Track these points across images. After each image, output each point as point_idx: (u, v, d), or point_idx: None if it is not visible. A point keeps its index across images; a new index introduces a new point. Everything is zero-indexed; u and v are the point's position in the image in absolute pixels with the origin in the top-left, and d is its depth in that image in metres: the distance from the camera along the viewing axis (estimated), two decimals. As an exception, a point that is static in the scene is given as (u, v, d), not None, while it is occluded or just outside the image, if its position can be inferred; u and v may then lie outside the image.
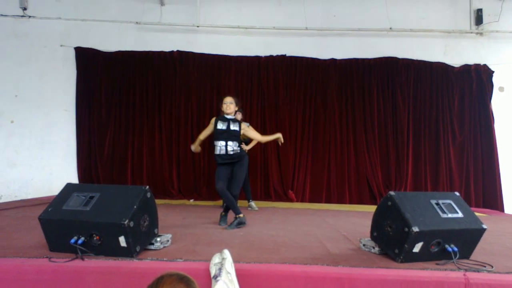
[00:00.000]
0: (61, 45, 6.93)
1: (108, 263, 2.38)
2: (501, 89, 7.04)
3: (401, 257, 2.51)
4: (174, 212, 4.91)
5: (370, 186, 6.77)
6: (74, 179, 6.72)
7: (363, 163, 6.82)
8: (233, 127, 4.01)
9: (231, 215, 4.05)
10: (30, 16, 6.91)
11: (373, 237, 2.81)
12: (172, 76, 6.95)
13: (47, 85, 6.90)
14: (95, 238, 2.48)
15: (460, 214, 2.68)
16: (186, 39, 6.99)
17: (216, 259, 2.33)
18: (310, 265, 2.44)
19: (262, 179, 6.83)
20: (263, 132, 6.54)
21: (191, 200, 6.49)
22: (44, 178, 6.78)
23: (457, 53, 7.06)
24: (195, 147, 4.38)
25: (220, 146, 3.96)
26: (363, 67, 6.98)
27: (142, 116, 6.89)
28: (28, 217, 4.10)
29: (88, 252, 2.47)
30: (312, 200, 6.74)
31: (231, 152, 3.95)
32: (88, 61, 6.92)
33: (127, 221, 2.39)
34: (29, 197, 6.42)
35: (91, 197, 2.63)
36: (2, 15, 6.89)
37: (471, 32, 7.02)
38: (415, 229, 2.42)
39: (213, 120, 4.12)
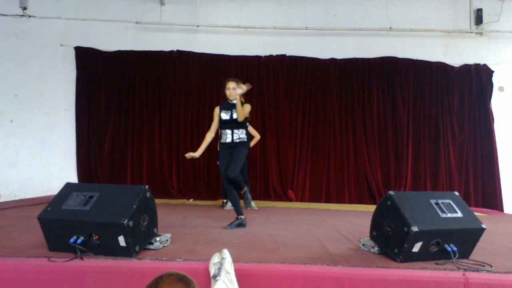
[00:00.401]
0: (61, 45, 6.93)
1: (108, 263, 2.37)
2: (501, 89, 7.04)
3: (401, 257, 2.51)
4: (174, 212, 4.91)
5: (370, 186, 6.77)
6: (74, 179, 6.72)
7: (362, 163, 6.82)
8: (236, 114, 3.85)
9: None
10: (30, 16, 6.90)
11: (372, 237, 2.81)
12: (172, 76, 6.95)
13: (47, 84, 6.90)
14: (94, 238, 2.48)
15: (459, 214, 2.68)
16: (186, 39, 6.99)
17: (215, 258, 2.33)
18: (310, 265, 2.44)
19: (261, 178, 6.83)
20: (262, 132, 6.56)
21: (191, 200, 6.49)
22: (43, 178, 6.78)
23: (457, 53, 7.06)
24: (198, 153, 4.04)
25: (226, 134, 3.91)
26: (363, 67, 6.98)
27: (141, 116, 6.89)
28: (28, 216, 4.10)
29: (88, 251, 2.46)
30: (312, 199, 6.74)
31: (237, 140, 3.88)
32: (88, 61, 6.91)
33: (126, 220, 2.39)
34: (29, 196, 6.42)
35: (91, 197, 2.63)
36: (2, 14, 6.89)
37: (471, 32, 7.02)
38: (415, 228, 2.42)
39: (216, 110, 4.00)
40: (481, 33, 7.03)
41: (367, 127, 6.90)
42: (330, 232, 3.71)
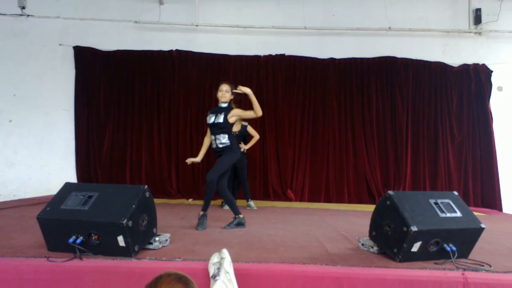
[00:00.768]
0: (60, 44, 6.92)
1: (107, 263, 2.37)
2: (499, 88, 7.05)
3: (400, 257, 2.52)
4: (173, 212, 4.91)
5: (369, 186, 6.78)
6: (73, 179, 6.70)
7: (362, 163, 6.83)
8: (218, 119, 3.81)
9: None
10: (28, 15, 6.89)
11: (371, 237, 2.81)
12: (171, 75, 6.94)
13: (46, 84, 6.89)
14: (93, 238, 2.48)
15: (458, 214, 2.69)
16: (185, 39, 6.98)
17: (214, 258, 2.33)
18: (309, 265, 2.44)
19: (261, 178, 6.84)
20: (262, 132, 6.55)
21: (190, 200, 6.48)
22: (42, 178, 6.77)
23: (456, 53, 7.06)
24: (199, 158, 4.05)
25: (212, 140, 3.89)
26: (362, 66, 6.98)
27: (141, 116, 6.88)
28: (27, 216, 4.10)
29: (87, 251, 2.46)
30: (311, 199, 6.74)
31: (220, 145, 3.82)
32: (87, 60, 6.90)
33: (125, 220, 2.39)
34: (28, 196, 6.40)
35: (90, 197, 2.62)
36: (0, 14, 6.87)
37: (470, 32, 7.02)
38: (414, 228, 2.42)
39: (208, 113, 4.02)
40: (480, 33, 7.04)
41: (366, 127, 6.90)
42: (329, 232, 3.71)
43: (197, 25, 6.88)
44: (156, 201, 2.97)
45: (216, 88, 3.95)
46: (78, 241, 2.44)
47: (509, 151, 6.91)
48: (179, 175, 6.83)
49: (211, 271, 2.23)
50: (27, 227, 3.46)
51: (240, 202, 5.65)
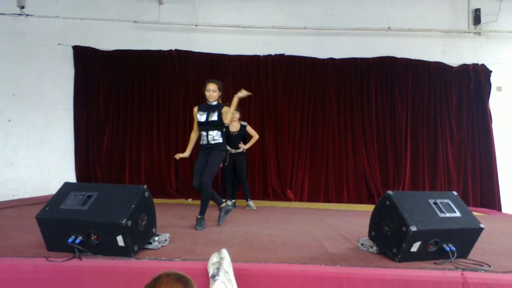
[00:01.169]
0: (59, 44, 6.91)
1: (106, 263, 2.37)
2: (499, 88, 7.05)
3: (399, 257, 2.52)
4: (172, 212, 4.91)
5: (368, 186, 6.78)
6: (72, 178, 6.70)
7: (361, 163, 6.83)
8: (212, 117, 3.86)
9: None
10: (28, 15, 6.88)
11: (371, 237, 2.81)
12: (171, 75, 6.94)
13: (45, 84, 6.88)
14: (93, 238, 2.47)
15: (458, 214, 2.69)
16: (184, 38, 6.98)
17: (214, 258, 2.33)
18: (308, 265, 2.44)
19: (260, 178, 6.84)
20: (261, 132, 6.56)
21: (190, 200, 6.48)
22: (42, 177, 6.76)
23: (455, 53, 7.06)
24: (187, 153, 4.05)
25: (203, 136, 3.94)
26: (361, 66, 6.98)
27: (140, 115, 6.88)
28: (26, 216, 4.09)
29: (86, 251, 2.46)
30: (311, 199, 6.74)
31: (212, 142, 3.89)
32: (86, 60, 6.90)
33: (125, 220, 2.39)
34: (27, 196, 6.40)
35: (89, 197, 2.62)
36: (-1, 13, 6.87)
37: (469, 32, 7.03)
38: (413, 228, 2.42)
39: (195, 110, 4.02)
40: (479, 33, 7.04)
41: (365, 127, 6.91)
42: (328, 232, 3.71)
43: (196, 25, 6.87)
44: (156, 201, 2.97)
45: (204, 87, 3.96)
46: (78, 241, 2.44)
47: (508, 151, 6.92)
48: (179, 175, 6.82)
49: (211, 271, 2.23)
50: (27, 227, 3.45)
51: (239, 202, 5.69)
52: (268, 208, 5.60)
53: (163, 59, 6.92)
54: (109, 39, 6.94)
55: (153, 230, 2.77)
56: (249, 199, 5.55)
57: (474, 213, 2.93)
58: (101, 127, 6.84)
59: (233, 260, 2.33)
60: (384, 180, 6.86)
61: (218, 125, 3.90)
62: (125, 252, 2.46)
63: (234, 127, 5.48)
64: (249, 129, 5.60)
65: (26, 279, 2.25)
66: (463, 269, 2.40)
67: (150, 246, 2.72)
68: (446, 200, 2.77)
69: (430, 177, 6.85)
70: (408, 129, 6.92)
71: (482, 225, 2.67)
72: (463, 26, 7.04)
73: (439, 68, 6.98)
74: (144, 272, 2.24)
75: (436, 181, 6.81)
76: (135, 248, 2.51)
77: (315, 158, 6.87)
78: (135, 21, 6.85)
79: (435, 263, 2.52)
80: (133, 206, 2.49)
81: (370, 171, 6.82)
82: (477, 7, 6.97)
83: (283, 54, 6.98)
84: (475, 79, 6.96)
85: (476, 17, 6.94)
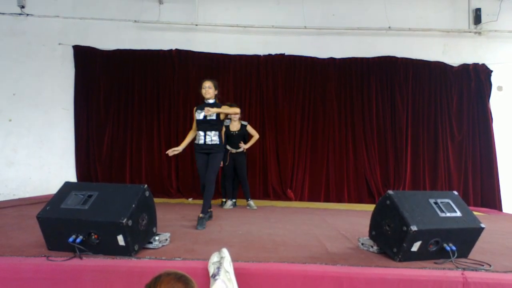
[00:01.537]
0: (59, 44, 6.91)
1: (106, 262, 2.37)
2: (499, 88, 7.05)
3: (400, 256, 2.52)
4: (173, 211, 4.91)
5: (369, 185, 6.78)
6: (73, 178, 6.70)
7: (361, 162, 6.83)
8: (210, 116, 3.89)
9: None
10: (28, 14, 6.88)
11: (371, 236, 2.81)
12: (171, 75, 6.94)
13: (45, 83, 6.88)
14: (93, 237, 2.47)
15: (458, 213, 2.69)
16: (184, 38, 6.98)
17: (214, 258, 2.33)
18: (309, 264, 2.44)
19: (260, 178, 6.84)
20: (261, 131, 6.56)
21: (190, 199, 6.48)
22: (42, 177, 6.76)
23: (455, 53, 7.06)
24: (181, 147, 4.07)
25: (200, 136, 3.97)
26: (362, 66, 6.98)
27: (140, 115, 6.88)
28: (26, 215, 4.09)
29: (86, 251, 2.46)
30: (311, 199, 6.74)
31: (209, 143, 3.93)
32: (87, 60, 6.89)
33: (125, 219, 2.39)
34: (27, 195, 6.40)
35: (90, 196, 2.62)
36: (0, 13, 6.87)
37: (470, 32, 7.02)
38: (414, 228, 2.42)
39: (194, 110, 4.11)
40: (479, 33, 7.04)
41: (366, 126, 6.91)
42: (329, 231, 3.71)
43: (196, 25, 6.87)
44: (156, 200, 2.97)
45: (200, 86, 4.06)
46: (78, 240, 2.44)
47: (509, 151, 6.92)
48: (179, 174, 6.83)
49: (211, 270, 2.23)
50: (27, 226, 3.46)
51: (240, 202, 5.69)
52: (269, 208, 5.60)
53: (163, 58, 6.92)
54: (109, 38, 6.94)
55: (154, 229, 2.77)
56: (249, 199, 5.55)
57: (475, 213, 2.93)
58: (101, 127, 6.84)
59: (234, 259, 2.33)
60: (385, 180, 6.86)
61: (216, 124, 3.94)
62: (126, 252, 2.46)
63: (235, 126, 5.48)
64: (250, 128, 5.60)
65: (26, 278, 2.25)
66: (464, 269, 2.40)
67: (150, 246, 2.72)
68: (446, 200, 2.77)
69: (430, 176, 6.85)
70: (408, 128, 6.92)
71: (482, 225, 2.67)
72: (463, 25, 7.04)
73: (439, 67, 6.98)
74: (144, 271, 2.24)
75: (436, 180, 6.81)
76: (136, 247, 2.51)
77: (315, 157, 6.87)
78: (135, 21, 6.85)
79: (435, 263, 2.52)
80: (133, 205, 2.49)
81: (370, 170, 6.82)
82: (478, 6, 6.97)
83: (284, 54, 6.97)
84: (476, 78, 6.96)
85: (477, 17, 6.93)
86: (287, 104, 6.94)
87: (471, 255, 2.71)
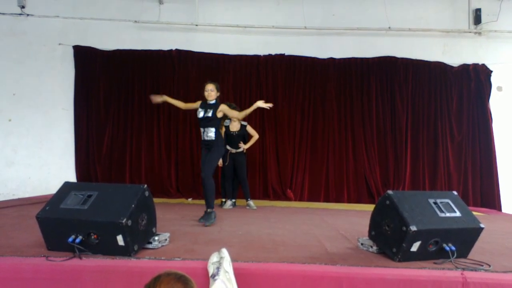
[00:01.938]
0: (59, 44, 6.91)
1: (106, 262, 2.37)
2: (499, 88, 7.05)
3: (399, 256, 2.52)
4: (172, 211, 4.91)
5: (369, 185, 6.78)
6: (72, 178, 6.70)
7: (361, 162, 6.83)
8: (207, 113, 4.14)
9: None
10: (28, 15, 6.88)
11: (371, 236, 2.81)
12: (171, 75, 6.94)
13: (45, 83, 6.88)
14: (93, 237, 2.47)
15: (458, 213, 2.69)
16: (184, 38, 6.98)
17: (214, 258, 2.33)
18: (308, 264, 2.44)
19: (260, 178, 6.84)
20: (261, 131, 6.56)
21: (189, 199, 6.48)
22: (42, 177, 6.76)
23: (455, 53, 7.06)
24: (161, 99, 4.33)
25: (201, 132, 4.25)
26: (362, 66, 6.98)
27: (140, 115, 6.88)
28: (26, 215, 4.09)
29: (86, 251, 2.46)
30: (311, 199, 6.74)
31: (207, 138, 4.16)
32: (87, 60, 6.89)
33: (125, 220, 2.39)
34: (27, 195, 6.40)
35: (89, 196, 2.62)
36: (0, 13, 6.86)
37: (470, 32, 7.02)
38: (413, 228, 2.42)
39: (198, 103, 4.29)
40: (479, 33, 7.04)
41: (366, 127, 6.91)
42: (328, 231, 3.71)
43: (196, 25, 6.87)
44: (156, 200, 2.97)
45: (203, 88, 4.24)
46: (78, 240, 2.44)
47: (508, 151, 6.92)
48: (179, 174, 6.83)
49: (211, 270, 2.23)
50: (27, 226, 3.45)
51: (239, 202, 5.69)
52: (268, 208, 5.60)
53: (163, 59, 6.92)
54: (109, 38, 6.94)
55: (153, 229, 2.77)
56: (249, 199, 5.55)
57: (474, 213, 2.93)
58: (101, 127, 6.84)
59: (233, 259, 2.33)
60: (384, 180, 6.86)
61: (212, 120, 4.13)
62: (125, 252, 2.46)
63: (234, 127, 5.49)
64: (249, 129, 5.60)
65: (26, 278, 2.25)
66: (463, 269, 2.40)
67: (150, 246, 2.72)
68: (446, 200, 2.77)
69: (430, 176, 6.85)
70: (408, 128, 6.92)
71: (482, 225, 2.67)
72: (463, 26, 7.04)
73: (439, 68, 6.98)
74: (144, 271, 2.24)
75: (436, 180, 6.81)
76: (135, 247, 2.51)
77: (315, 157, 6.87)
78: (135, 21, 6.84)
79: (435, 263, 2.52)
80: (133, 205, 2.49)
81: (370, 170, 6.82)
82: (478, 7, 6.97)
83: (283, 54, 6.97)
84: (476, 79, 6.96)
85: (477, 17, 6.94)
86: (287, 104, 6.94)
87: (470, 255, 2.71)
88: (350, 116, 6.94)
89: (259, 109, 6.94)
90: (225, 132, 5.37)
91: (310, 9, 6.96)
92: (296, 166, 6.85)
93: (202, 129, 4.22)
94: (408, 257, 2.53)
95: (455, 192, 2.93)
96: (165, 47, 6.93)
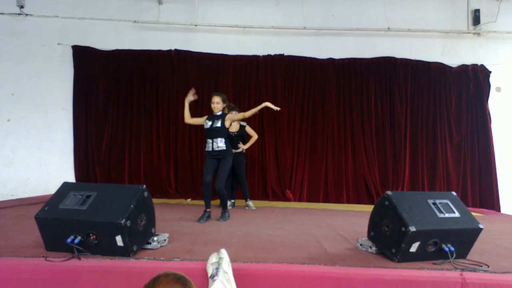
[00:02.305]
0: (58, 44, 6.90)
1: (105, 263, 2.37)
2: (498, 89, 7.06)
3: (398, 257, 2.52)
4: (172, 212, 4.91)
5: (368, 186, 6.78)
6: (71, 178, 6.69)
7: (360, 163, 6.84)
8: (216, 124, 4.30)
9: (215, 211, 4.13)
10: (27, 14, 6.87)
11: (370, 237, 2.81)
12: (170, 75, 6.93)
13: (44, 83, 6.87)
14: (92, 238, 2.47)
15: (457, 214, 2.69)
16: (184, 38, 6.97)
17: (213, 258, 2.33)
18: (308, 265, 2.44)
19: (260, 178, 6.83)
20: (260, 132, 6.56)
21: (189, 200, 6.48)
22: (41, 177, 6.75)
23: (454, 53, 7.07)
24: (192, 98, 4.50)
25: (208, 143, 4.37)
26: (361, 66, 6.99)
27: (139, 115, 6.87)
28: (25, 216, 4.09)
29: (85, 251, 2.46)
30: (310, 199, 6.74)
31: (217, 149, 4.30)
32: (86, 60, 6.89)
33: (124, 220, 2.38)
34: (26, 196, 6.39)
35: (88, 196, 2.62)
36: (-1, 13, 6.86)
37: (469, 33, 7.04)
38: (412, 228, 2.42)
39: (204, 117, 4.50)
40: (478, 34, 7.05)
41: (365, 127, 6.91)
42: (328, 232, 3.71)
43: (196, 25, 6.87)
44: (155, 201, 2.97)
45: (210, 99, 4.44)
46: (76, 241, 2.44)
47: (507, 152, 6.93)
48: (178, 175, 6.82)
49: (210, 271, 2.23)
50: (25, 226, 3.45)
51: (239, 202, 5.69)
52: (267, 208, 5.60)
53: (162, 59, 6.92)
54: (108, 39, 6.94)
55: (152, 230, 2.77)
56: (248, 199, 5.55)
57: (473, 214, 2.93)
58: (100, 127, 6.83)
59: (232, 260, 2.33)
60: (383, 180, 6.87)
61: (221, 131, 4.30)
62: (124, 252, 2.46)
63: (234, 127, 5.48)
64: (249, 129, 5.60)
65: (25, 279, 2.25)
66: (462, 270, 2.40)
67: (149, 246, 2.72)
68: (445, 201, 2.77)
69: (429, 177, 6.86)
70: (407, 129, 6.92)
71: (481, 226, 2.68)
72: (462, 26, 7.05)
73: (438, 68, 6.99)
74: (143, 272, 2.24)
75: (435, 181, 6.81)
76: (134, 248, 2.51)
77: (314, 158, 6.87)
78: (134, 21, 6.84)
79: (434, 263, 2.52)
80: (132, 206, 2.48)
81: (369, 171, 6.82)
82: (477, 7, 6.98)
83: (283, 54, 6.98)
84: (475, 79, 6.97)
85: (476, 18, 6.95)
86: (286, 105, 6.93)
87: (469, 256, 2.71)
88: (349, 116, 6.94)
89: (259, 110, 6.97)
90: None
91: (310, 9, 6.96)
92: (295, 167, 6.85)
93: (210, 140, 4.33)
94: (407, 258, 2.53)
95: (454, 193, 2.93)
96: (165, 47, 6.92)
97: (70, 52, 6.90)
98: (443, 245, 2.55)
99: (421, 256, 2.56)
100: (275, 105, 6.77)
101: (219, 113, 4.37)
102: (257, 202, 5.92)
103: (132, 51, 6.91)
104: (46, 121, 6.85)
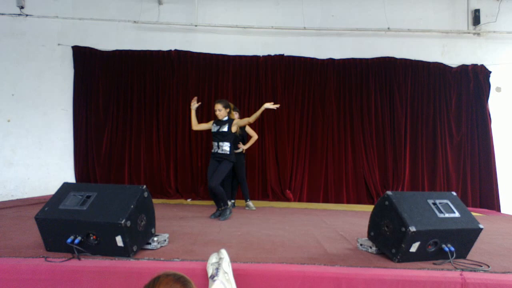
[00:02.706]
0: (58, 44, 6.91)
1: (105, 263, 2.37)
2: (498, 89, 7.07)
3: (398, 257, 2.52)
4: (172, 212, 4.91)
5: (368, 186, 6.79)
6: (71, 179, 6.70)
7: (360, 163, 6.84)
8: (222, 128, 4.49)
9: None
10: (27, 15, 6.88)
11: (370, 237, 2.81)
12: (170, 76, 6.94)
13: (44, 84, 6.88)
14: (92, 238, 2.47)
15: (457, 214, 2.69)
16: (184, 39, 6.98)
17: (213, 258, 2.33)
18: (308, 265, 2.44)
19: (260, 178, 6.84)
20: (261, 132, 6.56)
21: (189, 200, 6.48)
22: (41, 178, 6.76)
23: (454, 54, 7.08)
24: (196, 105, 4.61)
25: (214, 146, 4.55)
26: (361, 67, 6.99)
27: (139, 116, 6.88)
28: (25, 216, 4.09)
29: (85, 251, 2.46)
30: (310, 199, 6.75)
31: (221, 152, 4.46)
32: (86, 60, 6.89)
33: (124, 220, 2.38)
34: (26, 196, 6.40)
35: (88, 197, 2.62)
36: (-1, 13, 6.87)
37: (469, 33, 7.04)
38: (412, 228, 2.42)
39: (211, 122, 4.68)
40: (478, 34, 7.05)
41: (365, 127, 6.91)
42: (328, 232, 3.71)
43: (196, 25, 6.87)
44: (155, 201, 2.97)
45: (217, 98, 4.69)
46: (76, 241, 2.43)
47: (507, 152, 6.93)
48: (178, 175, 6.82)
49: (210, 271, 2.23)
50: (25, 227, 3.45)
51: (239, 202, 5.69)
52: (267, 209, 5.60)
53: (162, 59, 6.92)
54: (108, 39, 6.94)
55: (152, 230, 2.77)
56: (248, 200, 5.55)
57: (473, 214, 2.93)
58: (100, 127, 6.84)
59: (232, 260, 2.33)
60: (383, 181, 6.87)
61: (227, 135, 4.46)
62: (124, 253, 2.46)
63: (233, 128, 5.48)
64: (249, 129, 5.60)
65: (25, 279, 2.24)
66: (462, 270, 2.40)
67: (149, 247, 2.72)
68: (445, 201, 2.77)
69: (429, 177, 6.86)
70: (407, 129, 6.93)
71: (481, 226, 2.67)
72: (462, 26, 7.05)
73: (438, 68, 6.99)
74: (143, 272, 2.24)
75: (435, 181, 6.82)
76: (134, 248, 2.51)
77: (314, 158, 6.88)
78: (134, 21, 6.85)
79: (434, 264, 2.52)
80: (132, 206, 2.48)
81: (369, 171, 6.82)
82: (477, 7, 6.99)
83: (283, 55, 6.98)
84: (474, 79, 6.98)
85: (476, 18, 6.95)
86: (286, 105, 6.94)
87: (469, 256, 2.71)
88: (349, 116, 6.95)
89: (258, 109, 6.99)
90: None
91: (310, 9, 6.97)
92: (295, 167, 6.85)
93: (215, 143, 4.50)
94: (407, 258, 2.53)
95: (454, 193, 2.93)
96: (165, 47, 6.93)
97: (70, 53, 6.90)
98: (443, 245, 2.55)
99: (421, 256, 2.56)
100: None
101: (225, 118, 4.52)
102: (257, 202, 5.93)
103: (132, 52, 6.91)
104: (46, 122, 6.86)
